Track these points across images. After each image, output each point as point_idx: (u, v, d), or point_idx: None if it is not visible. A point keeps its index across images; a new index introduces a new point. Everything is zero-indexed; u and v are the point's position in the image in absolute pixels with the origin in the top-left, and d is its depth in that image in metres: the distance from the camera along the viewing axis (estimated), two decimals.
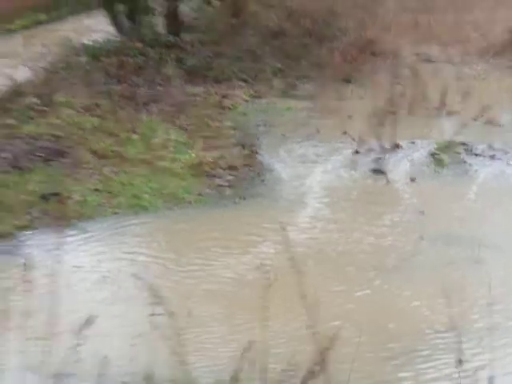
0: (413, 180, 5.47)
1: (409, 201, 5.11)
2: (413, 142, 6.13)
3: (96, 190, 5.00)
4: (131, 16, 8.85)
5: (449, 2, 9.83)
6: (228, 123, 6.58)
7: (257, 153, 5.98)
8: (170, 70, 7.46)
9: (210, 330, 3.45)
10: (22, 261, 3.34)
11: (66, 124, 6.05)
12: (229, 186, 5.27)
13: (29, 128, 5.88)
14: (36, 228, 4.42)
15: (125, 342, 3.30)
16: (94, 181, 5.12)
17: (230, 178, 5.41)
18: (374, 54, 8.29)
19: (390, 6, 9.70)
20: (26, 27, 10.16)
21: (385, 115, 6.17)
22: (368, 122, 5.99)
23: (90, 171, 5.26)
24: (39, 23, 10.57)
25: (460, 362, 2.68)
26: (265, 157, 5.91)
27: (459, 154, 5.87)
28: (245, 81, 7.72)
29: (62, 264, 3.62)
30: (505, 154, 5.95)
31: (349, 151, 5.95)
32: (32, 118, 6.11)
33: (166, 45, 8.18)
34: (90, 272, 4.01)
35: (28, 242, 4.29)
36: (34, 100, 6.41)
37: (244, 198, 5.09)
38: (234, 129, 6.50)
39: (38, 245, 4.22)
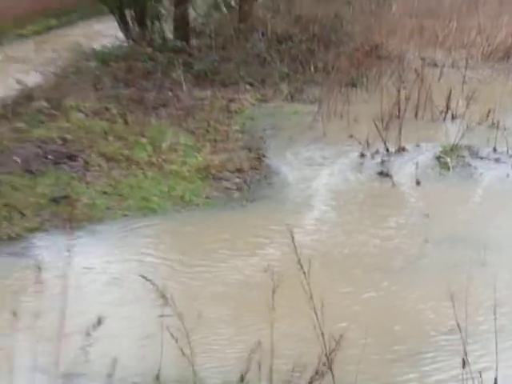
0: (418, 183, 5.49)
1: (414, 203, 5.14)
2: (418, 146, 6.17)
3: (105, 192, 5.05)
4: (140, 21, 8.95)
5: (454, 7, 9.87)
6: (235, 127, 6.62)
7: (264, 156, 6.02)
8: (178, 74, 7.53)
9: (217, 331, 3.47)
10: (33, 262, 3.40)
11: (76, 128, 6.11)
12: (236, 189, 5.32)
13: (39, 132, 5.94)
14: (46, 230, 4.47)
15: (134, 343, 3.35)
16: (103, 184, 5.17)
17: (237, 180, 5.46)
18: (379, 58, 8.32)
19: (396, 11, 9.75)
20: (37, 32, 10.31)
21: (390, 119, 6.22)
22: (374, 125, 6.03)
23: (100, 174, 5.32)
24: (50, 28, 10.73)
25: (465, 363, 2.71)
26: (272, 160, 5.95)
27: (464, 157, 5.90)
28: (252, 85, 7.78)
29: (71, 265, 3.67)
30: (509, 157, 5.97)
31: (355, 154, 5.99)
32: (42, 122, 6.17)
33: (174, 50, 8.26)
34: (99, 273, 4.05)
35: (38, 244, 4.34)
36: (45, 104, 6.48)
37: (251, 201, 5.13)
38: (242, 132, 6.54)
39: (48, 247, 4.27)
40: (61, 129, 6.06)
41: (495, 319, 2.88)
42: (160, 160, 5.62)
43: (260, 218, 4.85)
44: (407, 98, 6.41)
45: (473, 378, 2.74)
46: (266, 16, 9.35)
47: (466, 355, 2.72)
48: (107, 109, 6.62)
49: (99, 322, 2.60)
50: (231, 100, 7.30)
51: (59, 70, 8.00)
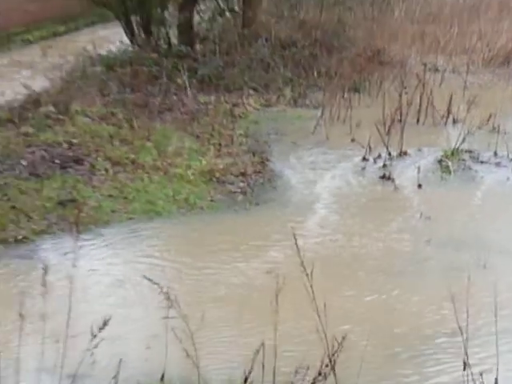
0: (420, 186, 5.53)
1: (416, 207, 5.17)
2: (420, 150, 6.21)
3: (111, 196, 5.10)
4: (146, 27, 9.02)
5: (455, 12, 9.92)
6: (239, 131, 6.67)
7: (268, 160, 6.06)
8: (182, 79, 7.59)
9: (221, 332, 3.51)
10: (40, 265, 3.44)
11: (82, 132, 6.16)
12: (240, 192, 5.36)
13: (46, 136, 6.00)
14: (53, 233, 4.51)
15: (139, 344, 3.38)
16: (109, 187, 5.22)
17: (241, 184, 5.50)
18: (381, 63, 8.38)
19: (398, 17, 9.80)
20: (44, 38, 10.42)
21: (392, 123, 6.26)
22: (376, 129, 6.07)
23: (106, 178, 5.37)
24: (57, 34, 10.84)
25: (466, 365, 2.74)
26: (275, 164, 6.00)
27: (465, 161, 5.93)
28: (256, 90, 7.83)
29: (78, 268, 3.73)
30: (510, 161, 6.00)
31: (357, 158, 6.03)
32: (49, 127, 6.22)
33: (179, 55, 8.31)
34: (105, 275, 4.09)
35: (45, 247, 4.38)
36: (51, 109, 6.55)
37: (255, 204, 5.18)
38: (246, 136, 6.59)
39: (54, 249, 4.31)
40: (67, 133, 6.12)
41: (496, 321, 2.90)
42: (165, 164, 5.67)
43: (263, 220, 4.89)
44: (409, 103, 6.44)
45: (474, 380, 2.77)
46: (270, 21, 9.40)
47: (467, 357, 2.75)
48: (113, 113, 6.68)
49: (105, 323, 2.63)
50: (235, 105, 7.35)
51: (66, 75, 8.07)
